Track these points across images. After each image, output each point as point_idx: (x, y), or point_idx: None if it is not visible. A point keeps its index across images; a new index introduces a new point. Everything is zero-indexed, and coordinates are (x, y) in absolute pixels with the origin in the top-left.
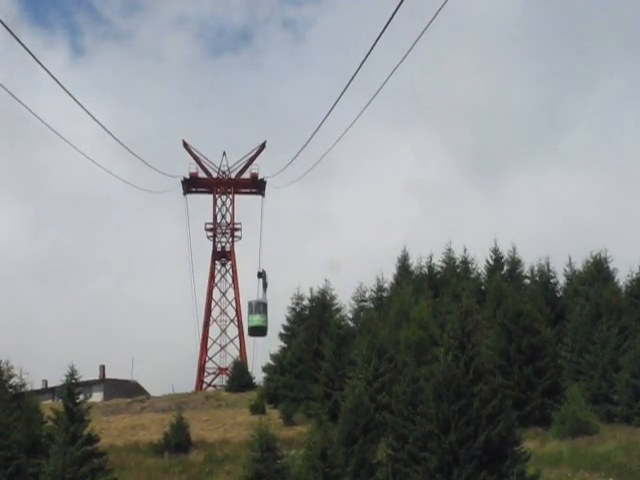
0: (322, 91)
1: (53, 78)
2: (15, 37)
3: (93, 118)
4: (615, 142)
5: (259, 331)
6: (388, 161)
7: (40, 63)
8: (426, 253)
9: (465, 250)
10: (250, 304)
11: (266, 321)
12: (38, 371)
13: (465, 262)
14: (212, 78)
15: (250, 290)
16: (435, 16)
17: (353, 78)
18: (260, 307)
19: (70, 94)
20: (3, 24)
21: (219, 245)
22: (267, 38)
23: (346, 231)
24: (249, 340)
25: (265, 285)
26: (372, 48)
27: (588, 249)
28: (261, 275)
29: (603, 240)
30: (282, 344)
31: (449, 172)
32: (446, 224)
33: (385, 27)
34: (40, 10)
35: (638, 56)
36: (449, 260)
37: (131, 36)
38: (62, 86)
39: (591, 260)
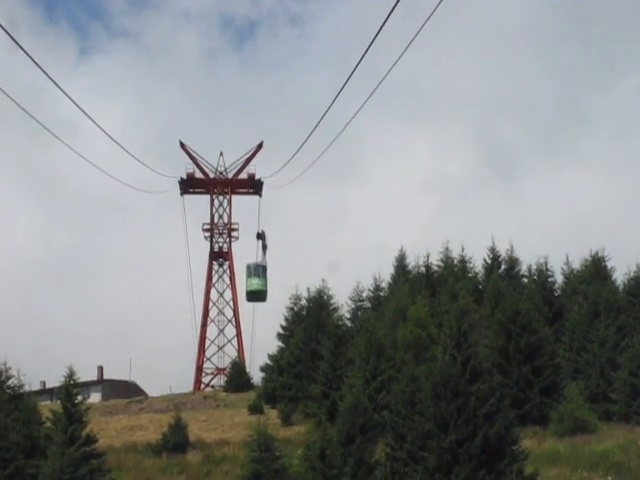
0: (329, 88)
1: (56, 85)
2: (20, 47)
3: (93, 122)
4: (635, 139)
5: (258, 296)
6: (404, 159)
7: (44, 71)
8: (423, 252)
9: (463, 249)
10: (249, 267)
11: (265, 285)
12: (36, 372)
13: (463, 261)
14: (216, 76)
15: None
16: (436, 8)
17: (354, 71)
18: (259, 270)
19: (72, 100)
20: (9, 35)
21: (216, 245)
22: (271, 34)
23: (352, 230)
24: (248, 306)
25: (265, 247)
26: (372, 41)
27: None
28: (260, 236)
29: (620, 238)
30: (280, 344)
31: (466, 169)
32: (462, 222)
33: (385, 21)
34: (48, 10)
35: None
36: (446, 259)
37: (135, 34)
38: (65, 93)
39: (589, 259)
